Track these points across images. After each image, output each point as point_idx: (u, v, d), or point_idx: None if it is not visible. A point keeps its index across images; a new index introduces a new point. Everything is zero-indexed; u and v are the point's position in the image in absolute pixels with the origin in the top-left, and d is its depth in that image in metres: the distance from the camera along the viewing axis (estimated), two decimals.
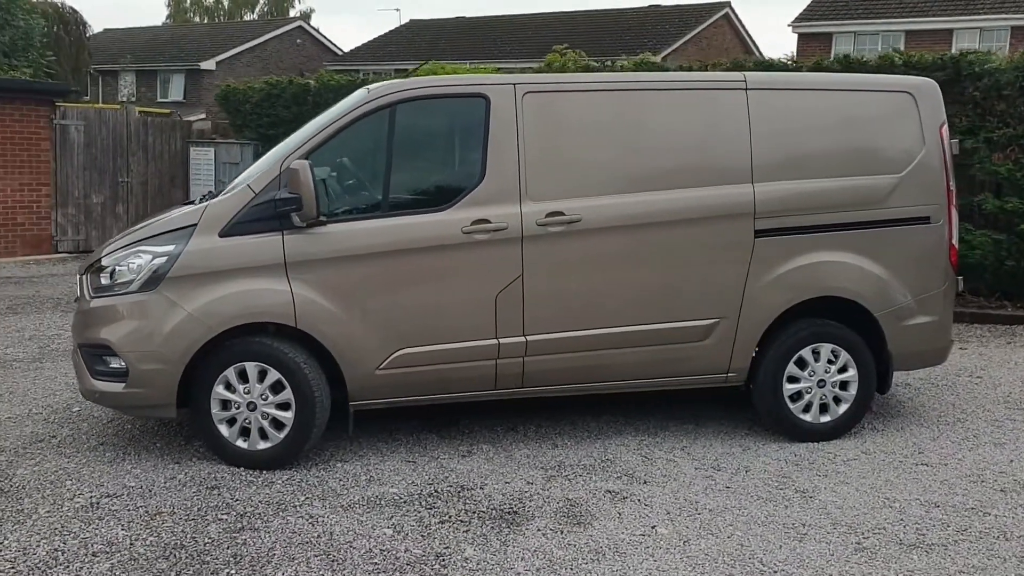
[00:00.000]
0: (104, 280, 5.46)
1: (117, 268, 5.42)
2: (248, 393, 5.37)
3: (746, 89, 5.80)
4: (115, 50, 42.24)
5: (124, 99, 39.36)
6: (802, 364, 5.90)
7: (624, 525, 4.69)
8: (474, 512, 4.84)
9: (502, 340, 5.54)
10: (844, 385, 5.96)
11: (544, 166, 5.56)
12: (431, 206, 5.56)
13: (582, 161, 5.63)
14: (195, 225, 5.37)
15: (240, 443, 5.41)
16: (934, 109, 6.02)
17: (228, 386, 5.37)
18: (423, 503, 4.95)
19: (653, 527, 4.68)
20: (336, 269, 5.37)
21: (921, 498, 5.04)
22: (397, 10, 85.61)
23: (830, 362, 5.92)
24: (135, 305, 5.32)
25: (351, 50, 42.10)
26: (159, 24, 55.64)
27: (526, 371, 5.63)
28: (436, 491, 5.12)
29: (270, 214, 5.30)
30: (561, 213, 5.52)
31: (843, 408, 5.96)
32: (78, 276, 5.78)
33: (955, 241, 6.09)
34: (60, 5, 36.23)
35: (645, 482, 5.27)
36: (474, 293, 5.49)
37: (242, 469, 5.39)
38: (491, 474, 5.38)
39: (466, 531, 4.61)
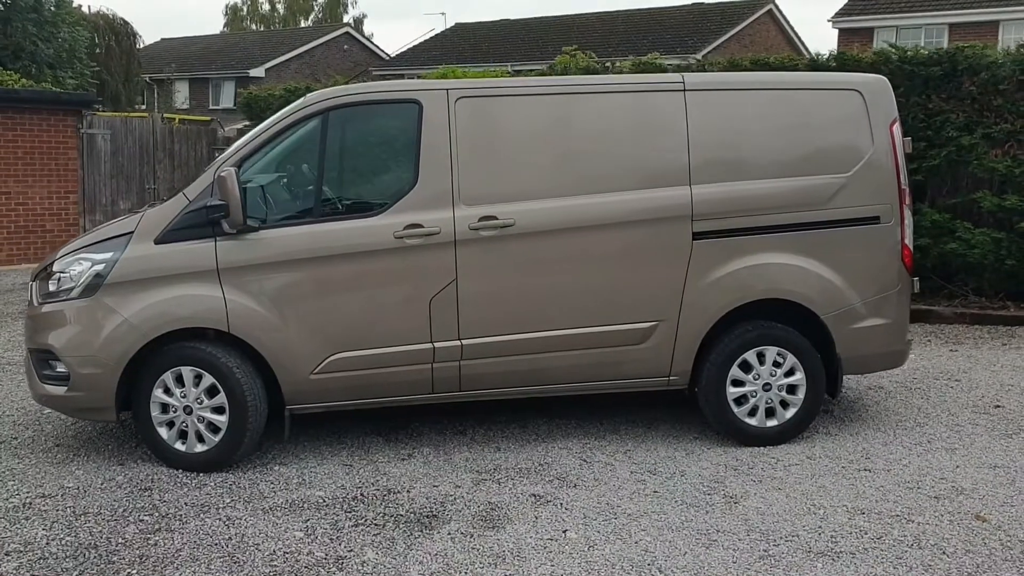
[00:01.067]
0: (52, 286, 5.62)
1: (62, 275, 5.57)
2: (184, 397, 5.48)
3: (684, 91, 5.74)
4: (171, 59, 43.25)
5: (180, 106, 40.32)
6: (747, 367, 5.82)
7: (536, 529, 4.68)
8: (391, 516, 4.87)
9: (437, 344, 5.57)
10: (792, 389, 5.86)
11: (477, 171, 5.57)
12: (364, 212, 5.61)
13: (516, 165, 5.63)
14: (132, 233, 5.50)
15: (178, 446, 5.52)
16: (884, 107, 5.89)
17: (167, 390, 5.49)
18: (344, 506, 4.99)
19: (564, 532, 4.66)
20: (268, 275, 5.45)
21: (849, 505, 4.94)
22: (443, 14, 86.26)
23: (776, 365, 5.82)
24: (76, 311, 5.47)
25: (397, 54, 42.47)
26: (217, 32, 57.02)
27: (463, 375, 5.64)
28: (362, 494, 5.16)
29: (203, 221, 5.41)
30: (494, 217, 5.53)
31: (790, 412, 5.86)
32: (29, 282, 5.95)
33: (908, 241, 5.94)
34: (112, 17, 37.30)
35: (575, 486, 5.25)
36: (407, 297, 5.52)
37: (180, 472, 5.50)
38: (424, 477, 5.40)
39: (376, 535, 4.64)
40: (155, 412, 5.51)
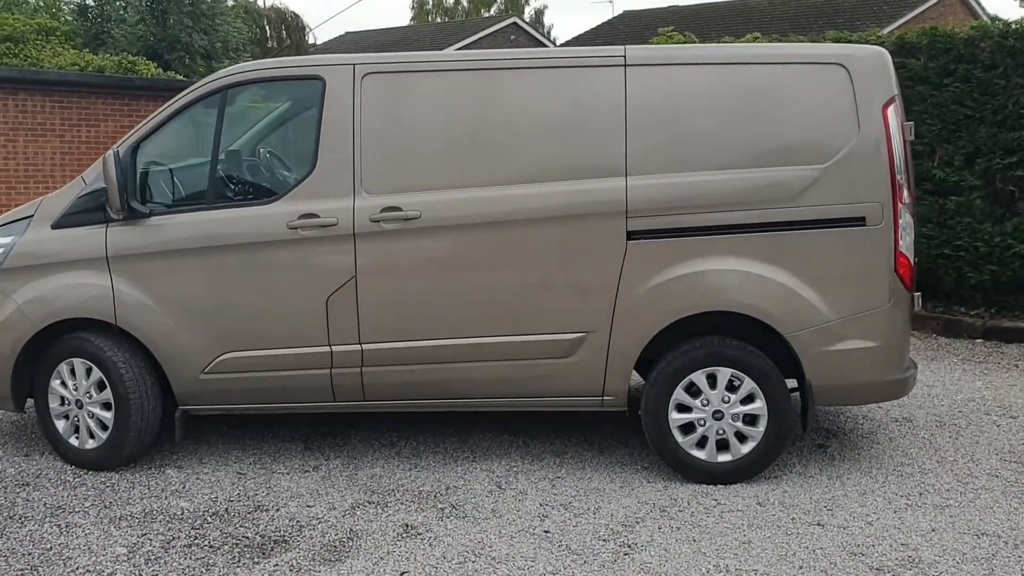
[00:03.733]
0: None
1: None
2: (76, 390, 5.20)
3: (625, 66, 4.91)
4: (352, 52, 44.46)
5: None
6: (695, 391, 4.95)
7: (377, 567, 4.07)
8: (237, 537, 4.39)
9: (335, 348, 5.03)
10: (751, 419, 4.94)
11: (383, 156, 4.98)
12: (258, 198, 5.15)
13: (427, 150, 4.99)
14: (31, 217, 5.27)
15: (72, 440, 5.27)
16: (876, 84, 4.84)
17: (63, 382, 5.24)
18: (196, 522, 4.55)
19: (403, 574, 4.03)
20: (158, 264, 5.08)
21: (762, 569, 4.03)
22: (610, 1, 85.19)
23: (731, 390, 4.92)
24: None
25: (563, 43, 42.01)
26: (399, 26, 58.39)
27: (366, 383, 5.08)
28: (227, 510, 4.71)
29: (95, 205, 5.10)
30: (398, 208, 4.92)
31: (747, 447, 4.94)
32: None
33: (906, 249, 4.87)
34: (283, 10, 38.78)
35: (464, 516, 4.59)
36: (302, 295, 5.01)
37: (69, 469, 5.25)
38: (306, 495, 4.89)
39: (199, 559, 4.17)
40: (53, 404, 5.28)
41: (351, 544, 4.31)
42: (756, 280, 4.80)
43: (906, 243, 4.86)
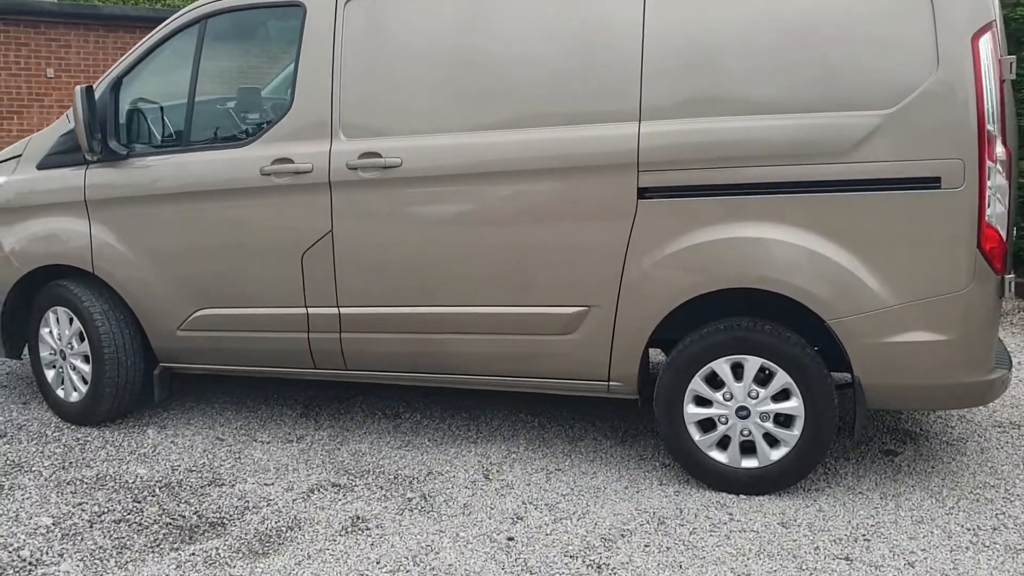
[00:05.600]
0: None
1: None
2: (60, 340, 4.94)
3: None
4: None
5: None
6: (716, 382, 4.12)
7: (297, 567, 3.56)
8: (172, 516, 3.98)
9: (311, 310, 4.51)
10: (785, 420, 4.07)
11: (364, 94, 4.35)
12: (233, 140, 4.64)
13: (412, 88, 4.31)
14: (20, 156, 5.00)
15: (60, 392, 5.03)
16: (966, 4, 3.76)
17: (52, 331, 4.99)
18: (142, 495, 4.18)
19: None
20: (133, 210, 4.69)
21: None
22: None
23: (761, 383, 4.06)
24: None
25: None
26: None
27: (345, 351, 4.55)
28: (181, 482, 4.32)
29: (75, 145, 4.75)
30: (377, 154, 4.30)
31: (778, 453, 4.08)
32: None
33: (996, 220, 3.81)
34: None
35: (427, 512, 4.00)
36: (277, 250, 4.50)
37: (54, 422, 5.04)
38: (272, 471, 4.44)
39: (116, 539, 3.78)
40: (44, 352, 5.07)
41: (287, 535, 3.81)
42: (796, 252, 3.89)
43: (995, 212, 3.80)
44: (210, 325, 4.66)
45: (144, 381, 4.92)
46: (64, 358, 4.94)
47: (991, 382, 3.99)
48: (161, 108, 4.78)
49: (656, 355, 4.75)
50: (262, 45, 4.86)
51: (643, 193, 4.02)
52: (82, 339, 4.86)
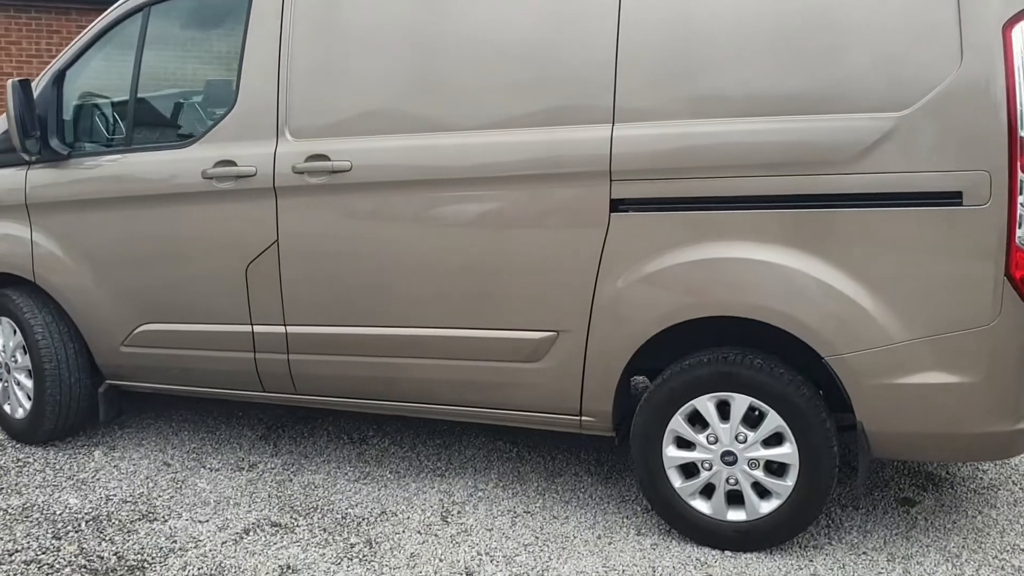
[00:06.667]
0: None
1: None
2: (4, 352, 4.62)
3: None
4: None
5: None
6: (700, 422, 3.60)
7: None
8: (89, 558, 3.60)
9: (257, 328, 4.10)
10: (778, 469, 3.54)
11: (314, 89, 3.91)
12: (177, 140, 4.23)
13: (366, 84, 3.85)
14: None
15: (6, 407, 4.71)
16: None
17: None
18: (63, 530, 3.82)
19: None
20: (74, 215, 4.33)
21: None
22: None
23: (750, 425, 3.53)
24: None
25: None
26: None
27: (294, 373, 4.13)
28: (110, 516, 3.94)
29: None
30: (325, 157, 3.85)
31: (769, 505, 3.55)
32: None
33: None
34: None
35: (367, 561, 3.57)
36: (219, 261, 4.09)
37: (3, 439, 4.71)
38: (211, 505, 4.04)
39: None
40: None
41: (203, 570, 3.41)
42: (789, 276, 3.34)
43: None
44: (154, 341, 4.28)
45: (92, 398, 4.56)
46: (8, 371, 4.61)
47: (1020, 432, 3.39)
48: (106, 104, 4.40)
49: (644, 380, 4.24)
50: (209, 34, 4.44)
51: (616, 205, 3.51)
52: (25, 352, 4.52)
